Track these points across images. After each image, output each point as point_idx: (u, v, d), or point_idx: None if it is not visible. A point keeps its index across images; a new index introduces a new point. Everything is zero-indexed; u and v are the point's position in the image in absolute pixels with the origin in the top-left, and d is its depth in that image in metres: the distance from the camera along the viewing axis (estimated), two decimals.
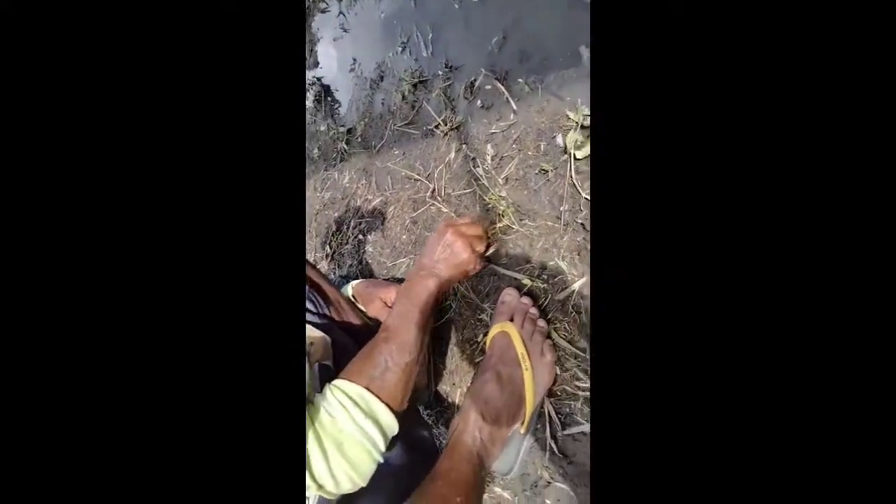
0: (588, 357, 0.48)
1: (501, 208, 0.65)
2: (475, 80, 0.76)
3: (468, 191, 0.73)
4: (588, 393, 0.46)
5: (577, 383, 0.47)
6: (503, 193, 0.66)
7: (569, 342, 0.49)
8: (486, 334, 0.57)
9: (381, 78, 1.01)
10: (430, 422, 0.68)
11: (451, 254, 0.53)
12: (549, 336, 0.50)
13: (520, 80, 0.69)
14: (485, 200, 0.68)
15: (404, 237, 0.82)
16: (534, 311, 0.52)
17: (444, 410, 0.66)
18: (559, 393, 0.49)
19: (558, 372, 0.49)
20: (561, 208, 0.58)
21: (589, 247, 0.52)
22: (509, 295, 0.54)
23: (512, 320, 0.51)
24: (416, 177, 0.83)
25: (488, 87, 0.74)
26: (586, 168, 0.56)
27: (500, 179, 0.68)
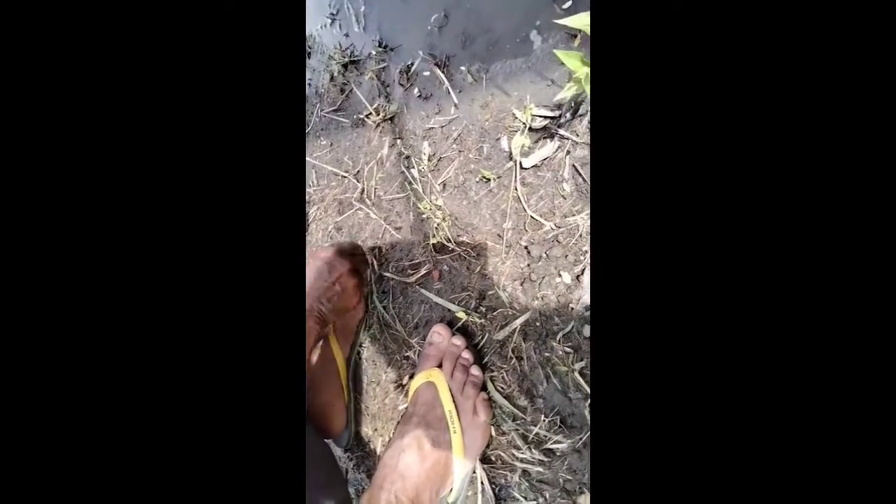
0: (535, 418, 0.40)
1: (437, 220, 0.55)
2: (412, 63, 0.65)
3: (401, 195, 0.62)
4: (526, 465, 0.38)
5: (514, 451, 0.39)
6: (440, 202, 0.56)
7: (506, 398, 0.40)
8: (412, 376, 0.48)
9: (308, 54, 0.87)
10: (351, 465, 0.58)
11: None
12: (483, 388, 0.42)
13: (462, 67, 0.59)
14: (419, 209, 0.58)
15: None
16: (467, 355, 0.42)
17: (366, 456, 0.56)
18: (494, 459, 0.40)
19: (493, 434, 0.41)
20: (504, 226, 0.49)
21: (533, 277, 0.43)
22: (439, 335, 0.44)
23: (441, 366, 0.42)
24: (343, 174, 0.71)
25: (426, 73, 0.63)
26: (532, 180, 0.47)
27: (437, 185, 0.57)
